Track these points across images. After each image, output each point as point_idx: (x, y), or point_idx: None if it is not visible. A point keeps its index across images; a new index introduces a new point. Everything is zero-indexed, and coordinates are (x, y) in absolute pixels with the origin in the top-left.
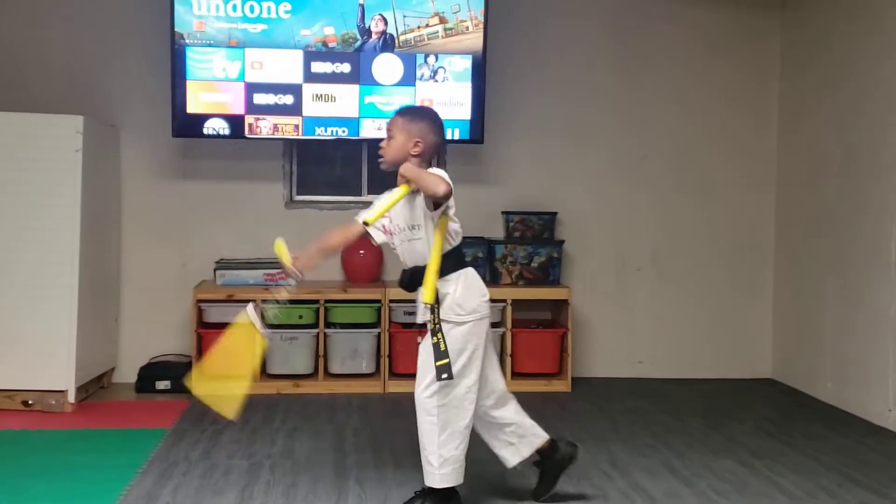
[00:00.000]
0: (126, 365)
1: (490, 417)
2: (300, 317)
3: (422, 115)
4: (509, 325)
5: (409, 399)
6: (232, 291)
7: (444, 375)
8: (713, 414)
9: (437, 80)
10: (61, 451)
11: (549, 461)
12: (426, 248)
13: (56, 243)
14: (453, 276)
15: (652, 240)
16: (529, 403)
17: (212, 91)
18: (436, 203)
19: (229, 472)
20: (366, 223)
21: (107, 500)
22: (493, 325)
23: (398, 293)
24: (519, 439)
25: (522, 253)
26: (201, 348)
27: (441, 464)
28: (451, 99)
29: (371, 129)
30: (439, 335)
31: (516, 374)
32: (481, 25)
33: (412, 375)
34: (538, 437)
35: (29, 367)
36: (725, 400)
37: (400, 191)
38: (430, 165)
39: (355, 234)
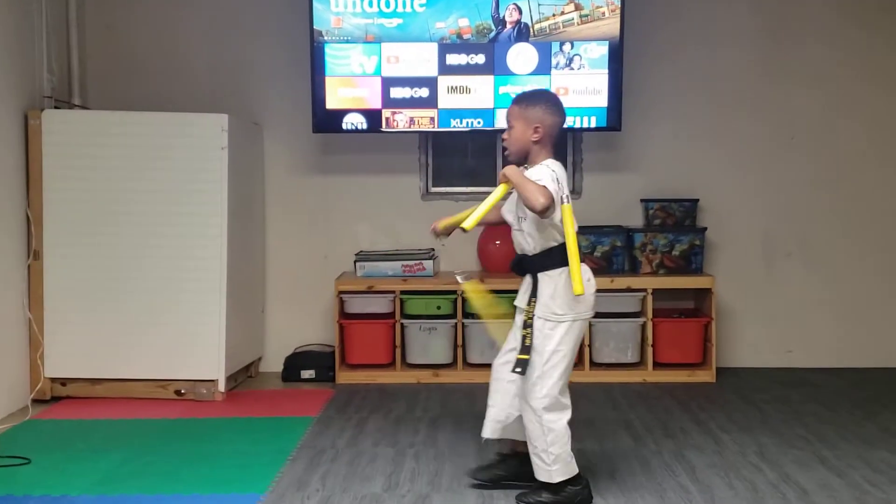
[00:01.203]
0: (272, 355)
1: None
2: (438, 307)
3: (537, 98)
4: (650, 314)
5: None
6: (372, 283)
7: (518, 370)
8: (866, 404)
9: (572, 68)
10: (214, 439)
11: (509, 465)
12: (529, 241)
13: (205, 238)
14: (555, 272)
15: (801, 224)
16: (673, 394)
17: (350, 86)
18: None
19: (375, 459)
20: (464, 229)
21: (260, 486)
22: (634, 314)
23: None
24: (508, 425)
25: (663, 241)
26: (343, 338)
27: (553, 460)
28: (588, 86)
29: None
30: (528, 330)
31: (658, 365)
32: (618, 10)
33: None
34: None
35: (181, 358)
36: (879, 389)
37: (499, 191)
38: (553, 147)
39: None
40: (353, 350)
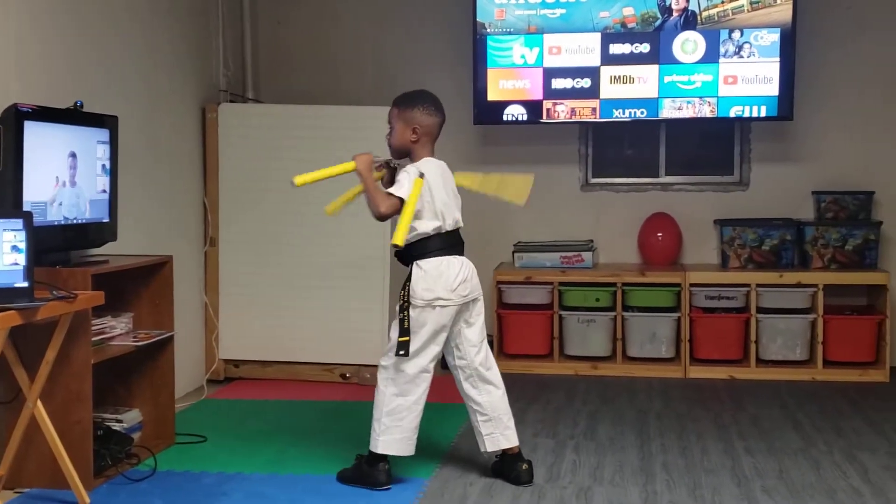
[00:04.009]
0: None
1: (466, 397)
2: (597, 299)
3: (413, 101)
4: (821, 311)
5: (711, 386)
6: (530, 273)
7: (402, 352)
8: None
9: (742, 56)
10: None
11: (504, 468)
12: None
13: (370, 227)
14: (420, 262)
15: None
16: (843, 393)
17: (511, 78)
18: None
19: (536, 449)
20: (293, 183)
21: (425, 471)
22: (804, 311)
23: (699, 277)
24: (490, 431)
25: (835, 235)
26: (501, 328)
27: (382, 430)
28: (758, 75)
29: (671, 109)
30: (406, 313)
31: (828, 363)
32: None
33: (716, 361)
34: (508, 440)
35: (347, 344)
36: None
37: (346, 166)
38: (433, 143)
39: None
40: (510, 340)
